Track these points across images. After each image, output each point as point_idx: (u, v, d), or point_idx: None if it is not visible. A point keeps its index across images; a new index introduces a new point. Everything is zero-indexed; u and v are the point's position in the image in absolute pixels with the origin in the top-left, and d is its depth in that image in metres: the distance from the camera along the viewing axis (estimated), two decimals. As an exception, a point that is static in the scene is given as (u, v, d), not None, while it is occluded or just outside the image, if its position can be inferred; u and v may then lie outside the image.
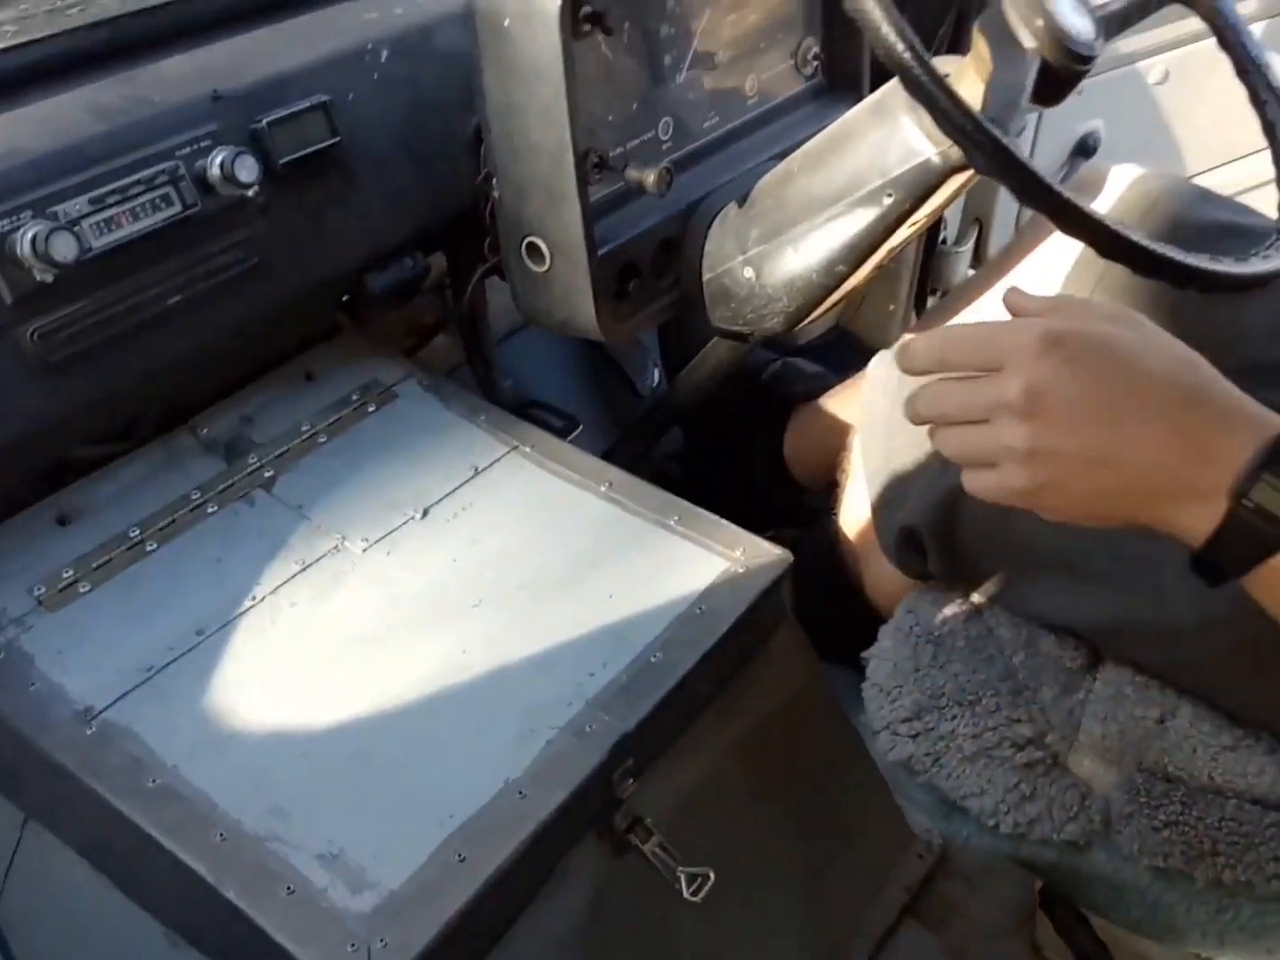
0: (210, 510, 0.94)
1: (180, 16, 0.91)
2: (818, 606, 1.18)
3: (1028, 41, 0.83)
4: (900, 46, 0.71)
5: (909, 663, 0.95)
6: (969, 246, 1.61)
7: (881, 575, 1.12)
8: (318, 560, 0.92)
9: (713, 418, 1.56)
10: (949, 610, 0.96)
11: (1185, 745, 0.91)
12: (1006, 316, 1.18)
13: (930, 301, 1.63)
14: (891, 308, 1.60)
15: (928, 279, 1.60)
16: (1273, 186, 0.91)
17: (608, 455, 1.36)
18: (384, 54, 0.97)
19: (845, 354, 1.55)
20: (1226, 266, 0.81)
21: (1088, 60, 0.85)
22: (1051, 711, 0.94)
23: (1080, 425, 0.64)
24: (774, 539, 1.43)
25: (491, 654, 0.85)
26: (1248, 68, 0.97)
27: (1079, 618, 0.96)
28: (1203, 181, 1.63)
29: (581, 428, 1.29)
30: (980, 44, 0.86)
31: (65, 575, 0.87)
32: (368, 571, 0.92)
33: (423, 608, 0.89)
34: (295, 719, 0.79)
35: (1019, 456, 0.65)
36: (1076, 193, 1.13)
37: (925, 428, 0.80)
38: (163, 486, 0.94)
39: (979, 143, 0.72)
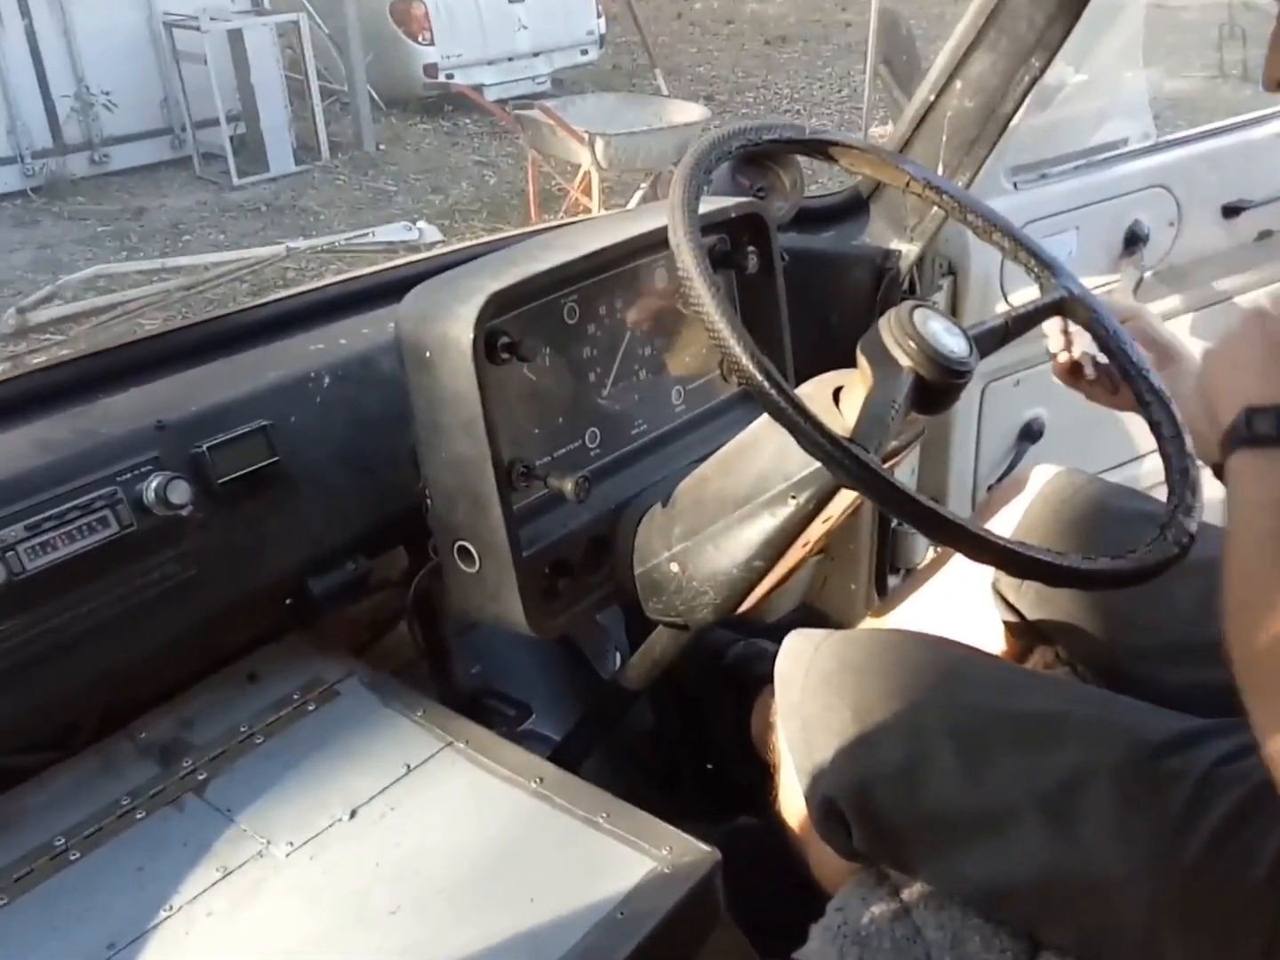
0: (138, 816, 0.95)
1: (134, 355, 1.00)
2: (766, 897, 1.16)
3: (903, 360, 0.90)
4: (760, 378, 0.78)
5: (834, 967, 0.93)
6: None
7: (823, 857, 1.11)
8: (240, 866, 0.92)
9: (680, 698, 1.57)
10: (877, 908, 0.94)
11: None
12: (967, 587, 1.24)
13: (892, 580, 1.67)
14: (853, 587, 1.64)
15: (885, 558, 1.64)
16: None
17: (566, 740, 1.37)
18: (326, 380, 1.06)
19: (810, 633, 1.59)
20: (1103, 565, 0.84)
21: (962, 375, 0.92)
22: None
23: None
24: (736, 830, 1.42)
25: (404, 968, 0.84)
26: (1130, 373, 1.04)
27: (1011, 876, 0.94)
28: (1140, 464, 1.71)
29: (535, 715, 1.30)
30: (862, 361, 0.93)
31: (-15, 889, 0.88)
32: (289, 878, 0.92)
33: (341, 916, 0.89)
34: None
35: None
36: (1003, 493, 1.19)
37: (834, 703, 1.01)
38: (94, 793, 0.96)
39: (838, 461, 0.77)
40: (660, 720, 1.63)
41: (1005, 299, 1.60)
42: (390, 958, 0.85)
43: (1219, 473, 0.83)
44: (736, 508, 1.02)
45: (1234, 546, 0.77)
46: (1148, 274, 1.70)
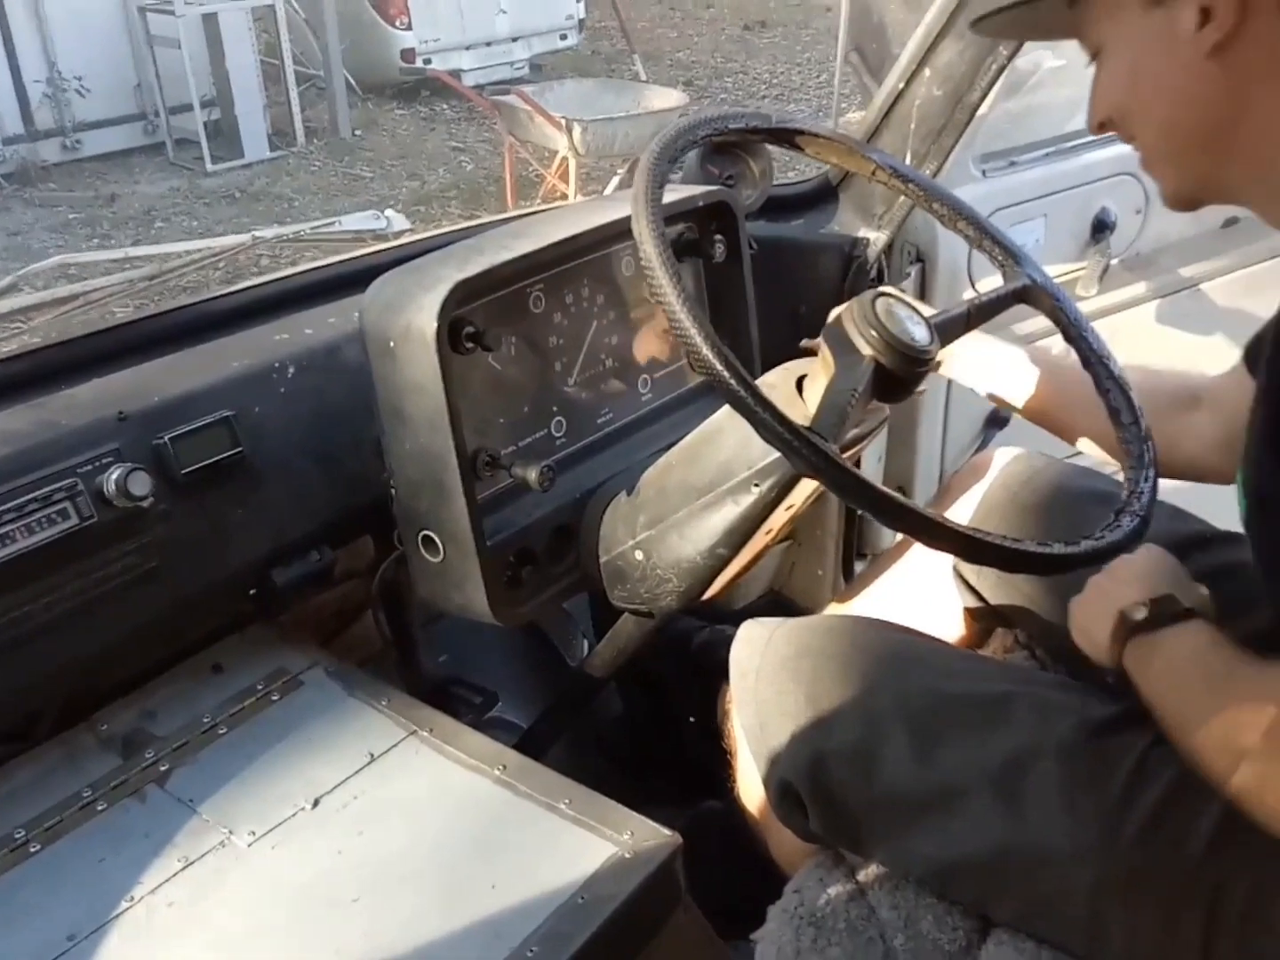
0: (100, 808, 0.95)
1: (96, 346, 0.99)
2: (729, 879, 1.16)
3: (863, 348, 0.90)
4: (719, 367, 0.78)
5: (790, 947, 0.93)
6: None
7: (782, 839, 1.12)
8: (201, 857, 0.92)
9: (646, 685, 1.58)
10: (833, 890, 0.95)
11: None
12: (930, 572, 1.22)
13: (860, 566, 1.67)
14: (820, 572, 1.64)
15: (853, 544, 1.65)
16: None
17: (532, 727, 1.38)
18: (290, 370, 1.05)
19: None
20: (1057, 550, 0.85)
21: (923, 363, 0.92)
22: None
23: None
24: (700, 814, 1.43)
25: (364, 955, 0.85)
26: (1090, 360, 1.05)
27: (962, 853, 0.95)
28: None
29: (501, 703, 1.30)
30: (824, 350, 0.93)
31: (-57, 883, 0.87)
32: (251, 867, 0.92)
33: (301, 905, 0.89)
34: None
35: None
36: (963, 477, 1.19)
37: (789, 688, 1.02)
38: (55, 785, 0.96)
39: (795, 449, 0.77)
40: (627, 707, 1.64)
41: (973, 286, 1.61)
42: (352, 945, 0.85)
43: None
44: (700, 496, 1.02)
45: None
46: (1114, 261, 1.71)
